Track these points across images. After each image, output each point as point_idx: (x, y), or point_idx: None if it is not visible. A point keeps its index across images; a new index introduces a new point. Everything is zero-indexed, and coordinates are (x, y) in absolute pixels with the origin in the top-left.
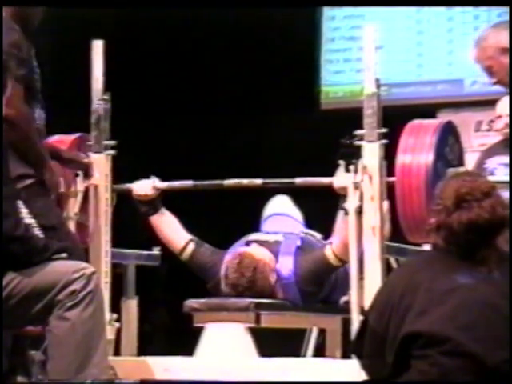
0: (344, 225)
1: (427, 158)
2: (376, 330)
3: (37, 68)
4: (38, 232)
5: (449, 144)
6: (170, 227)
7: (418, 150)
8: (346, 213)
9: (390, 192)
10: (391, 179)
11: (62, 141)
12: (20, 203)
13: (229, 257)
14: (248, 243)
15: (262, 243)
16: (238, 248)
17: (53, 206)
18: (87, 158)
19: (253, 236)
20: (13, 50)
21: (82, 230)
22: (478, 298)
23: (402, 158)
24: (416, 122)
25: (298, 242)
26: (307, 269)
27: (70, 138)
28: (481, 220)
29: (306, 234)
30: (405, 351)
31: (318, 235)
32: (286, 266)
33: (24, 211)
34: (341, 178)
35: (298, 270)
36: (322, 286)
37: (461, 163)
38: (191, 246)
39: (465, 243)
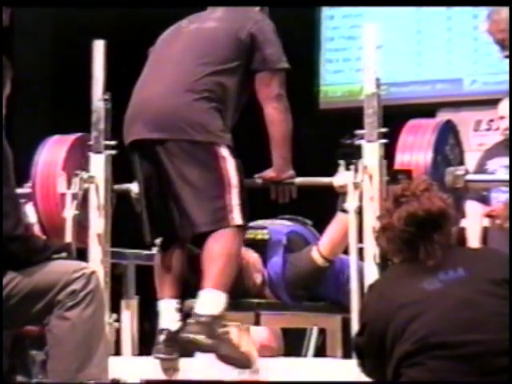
0: (336, 225)
1: (426, 156)
2: (371, 349)
3: None
4: None
5: (449, 143)
6: None
7: (416, 148)
8: (346, 212)
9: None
10: None
11: (62, 141)
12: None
13: None
14: None
15: (247, 243)
16: None
17: None
18: None
19: None
20: None
21: (82, 229)
22: (452, 300)
23: (400, 157)
24: (415, 120)
25: (284, 241)
26: (295, 274)
27: (70, 138)
28: (419, 211)
29: (295, 220)
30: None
31: (309, 221)
32: (274, 270)
33: None
34: (341, 178)
35: (287, 275)
36: (310, 288)
37: (461, 163)
38: None
39: (405, 238)
